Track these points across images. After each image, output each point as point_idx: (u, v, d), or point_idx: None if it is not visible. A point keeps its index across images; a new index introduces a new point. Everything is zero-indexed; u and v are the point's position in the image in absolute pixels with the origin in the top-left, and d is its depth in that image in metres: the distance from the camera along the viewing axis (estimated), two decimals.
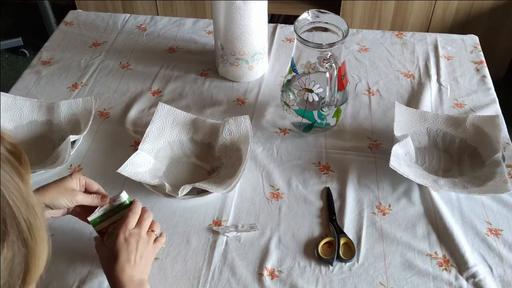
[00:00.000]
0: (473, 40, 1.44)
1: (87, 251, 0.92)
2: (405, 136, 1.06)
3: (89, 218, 0.84)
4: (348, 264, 0.90)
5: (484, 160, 1.05)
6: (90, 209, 0.85)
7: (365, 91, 1.27)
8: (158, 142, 1.08)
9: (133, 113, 1.21)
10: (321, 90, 1.04)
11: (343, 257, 0.91)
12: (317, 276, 0.88)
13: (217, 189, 0.96)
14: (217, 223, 0.97)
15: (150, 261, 0.82)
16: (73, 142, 1.09)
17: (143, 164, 1.03)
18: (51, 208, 0.81)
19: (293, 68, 1.06)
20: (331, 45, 0.99)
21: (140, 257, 0.79)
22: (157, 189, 1.00)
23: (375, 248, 0.92)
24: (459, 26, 2.28)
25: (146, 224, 0.83)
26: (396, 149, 1.03)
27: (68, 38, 1.46)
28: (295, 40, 1.02)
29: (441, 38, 1.44)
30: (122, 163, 1.00)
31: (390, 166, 0.98)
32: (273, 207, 1.00)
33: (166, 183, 0.98)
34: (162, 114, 1.11)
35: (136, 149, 1.05)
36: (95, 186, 0.87)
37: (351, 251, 0.92)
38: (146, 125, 1.11)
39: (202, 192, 1.00)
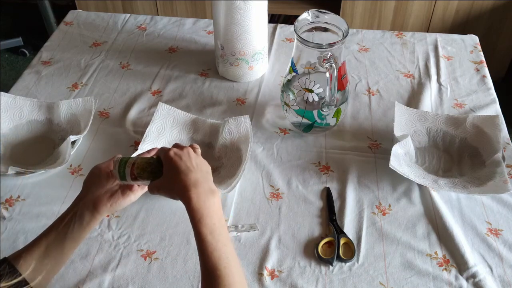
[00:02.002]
0: (473, 40, 1.44)
1: (87, 251, 0.92)
2: (405, 136, 1.06)
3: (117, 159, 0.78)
4: (348, 264, 0.90)
5: (484, 160, 1.05)
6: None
7: (365, 91, 1.27)
8: (158, 142, 1.08)
9: (133, 113, 1.21)
10: (321, 90, 1.04)
11: (343, 257, 0.91)
12: (317, 276, 0.88)
13: (217, 189, 0.96)
14: None
15: (209, 170, 0.77)
16: (73, 142, 1.09)
17: None
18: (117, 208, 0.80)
19: (293, 68, 1.06)
20: (331, 45, 0.99)
21: (197, 164, 0.74)
22: None
23: (375, 248, 0.92)
24: (459, 26, 2.28)
25: (181, 145, 0.79)
26: (396, 149, 1.03)
27: (68, 38, 1.46)
28: (295, 40, 1.02)
29: (441, 38, 1.44)
30: None
31: (390, 166, 0.98)
32: (273, 207, 1.00)
33: None
34: (162, 114, 1.11)
35: (136, 149, 1.05)
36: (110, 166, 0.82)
37: (351, 251, 0.92)
38: (146, 125, 1.11)
39: None
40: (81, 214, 0.77)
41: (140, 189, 0.81)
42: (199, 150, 0.80)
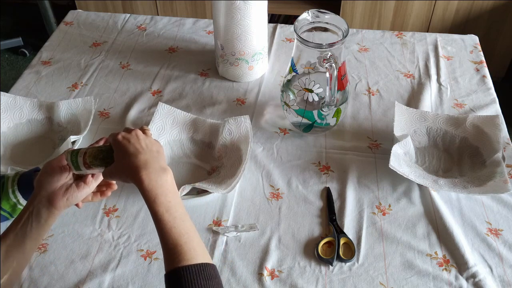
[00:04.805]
0: (473, 40, 1.44)
1: (87, 251, 0.92)
2: (405, 136, 1.06)
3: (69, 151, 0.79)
4: (348, 264, 0.90)
5: (484, 160, 1.05)
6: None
7: (365, 91, 1.27)
8: None
9: (133, 113, 1.21)
10: (321, 90, 1.04)
11: (343, 257, 0.91)
12: (317, 276, 0.88)
13: (217, 189, 0.97)
14: (217, 223, 0.97)
15: (160, 150, 0.76)
16: (73, 142, 1.10)
17: None
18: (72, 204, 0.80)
19: (293, 68, 1.06)
20: (331, 45, 0.99)
21: (146, 145, 0.75)
22: None
23: (375, 248, 0.92)
24: (459, 26, 2.28)
25: (130, 128, 0.79)
26: (396, 149, 1.03)
27: (68, 38, 1.46)
28: (295, 40, 1.02)
29: (441, 38, 1.44)
30: None
31: (390, 166, 0.98)
32: (273, 207, 1.00)
33: None
34: (162, 114, 1.11)
35: None
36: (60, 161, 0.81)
37: (351, 251, 0.92)
38: (146, 125, 1.11)
39: (202, 192, 1.00)
40: (37, 212, 0.76)
41: (94, 181, 0.81)
42: (149, 132, 0.80)
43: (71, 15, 1.56)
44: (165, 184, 0.71)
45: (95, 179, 0.82)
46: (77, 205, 0.85)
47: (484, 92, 1.26)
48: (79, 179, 0.81)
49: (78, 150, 0.79)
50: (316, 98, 1.05)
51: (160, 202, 0.70)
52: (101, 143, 0.84)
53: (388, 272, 0.89)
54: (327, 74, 0.97)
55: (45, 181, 0.78)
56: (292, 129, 1.16)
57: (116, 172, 0.75)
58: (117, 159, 0.75)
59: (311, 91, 1.04)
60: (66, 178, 0.80)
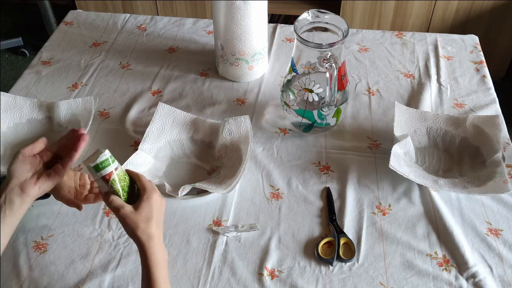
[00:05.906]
0: (473, 40, 1.44)
1: (87, 251, 0.92)
2: (405, 136, 1.06)
3: (93, 164, 0.76)
4: (348, 264, 0.90)
5: (485, 160, 1.05)
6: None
7: (365, 91, 1.27)
8: (158, 142, 1.08)
9: (133, 113, 1.21)
10: (321, 90, 1.04)
11: (343, 257, 0.91)
12: (317, 276, 0.88)
13: (217, 189, 0.97)
14: (217, 223, 0.97)
15: None
16: None
17: (143, 164, 1.03)
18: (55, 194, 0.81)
19: (293, 68, 1.06)
20: (331, 45, 0.99)
21: (162, 220, 0.81)
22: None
23: (375, 248, 0.92)
24: (459, 26, 2.28)
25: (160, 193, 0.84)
26: (396, 149, 1.03)
27: (68, 38, 1.46)
28: (295, 40, 1.02)
29: (441, 38, 1.44)
30: (122, 163, 1.00)
31: (389, 166, 0.98)
32: (273, 207, 1.00)
33: (166, 183, 0.98)
34: (162, 114, 1.11)
35: (136, 149, 1.05)
36: (39, 145, 0.80)
37: (351, 251, 0.92)
38: (146, 125, 1.11)
39: (202, 192, 1.00)
40: (10, 200, 0.76)
41: (63, 170, 0.80)
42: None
43: (71, 15, 1.56)
44: (163, 251, 0.79)
45: (65, 169, 0.81)
46: (78, 206, 0.85)
47: (484, 92, 1.26)
48: (49, 168, 0.80)
49: (114, 159, 0.78)
50: (316, 98, 1.05)
51: (163, 266, 0.79)
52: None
53: (388, 272, 0.89)
54: (327, 74, 0.97)
55: (17, 170, 0.78)
56: (292, 129, 1.16)
57: (130, 218, 0.77)
58: (142, 212, 0.78)
59: (311, 91, 1.04)
60: (37, 167, 0.80)
